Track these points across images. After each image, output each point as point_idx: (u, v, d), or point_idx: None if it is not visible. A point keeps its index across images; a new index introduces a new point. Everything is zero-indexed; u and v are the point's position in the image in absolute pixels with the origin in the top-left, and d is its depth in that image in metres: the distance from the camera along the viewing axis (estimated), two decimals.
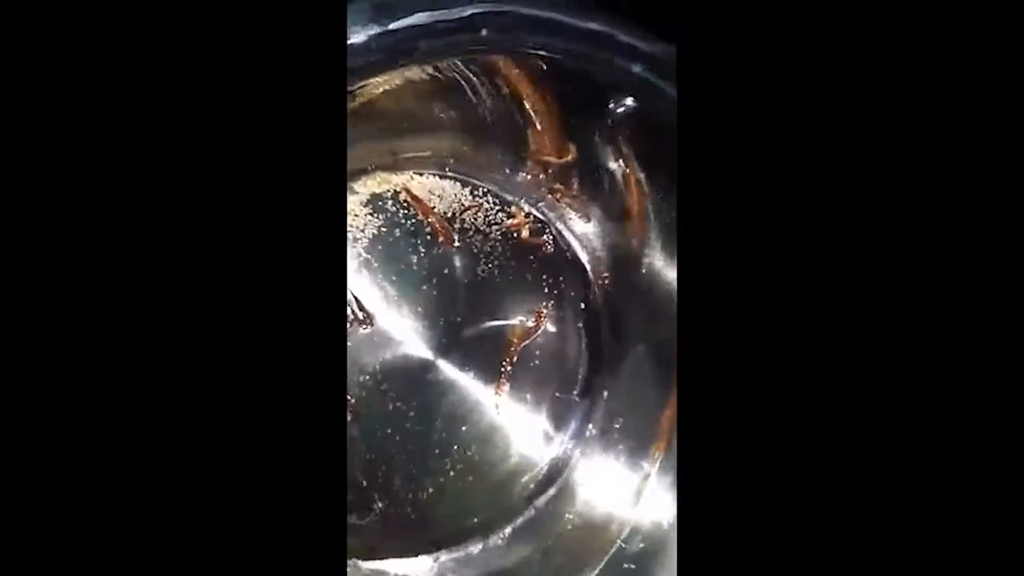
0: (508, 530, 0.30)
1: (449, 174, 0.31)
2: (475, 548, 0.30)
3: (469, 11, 0.18)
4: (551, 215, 0.32)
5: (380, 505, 0.30)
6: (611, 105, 0.25)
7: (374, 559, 0.29)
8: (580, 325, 0.32)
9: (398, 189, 0.30)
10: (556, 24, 0.21)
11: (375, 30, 0.17)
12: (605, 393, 0.32)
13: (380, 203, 0.30)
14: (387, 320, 0.30)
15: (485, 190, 0.31)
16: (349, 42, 0.17)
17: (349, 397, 0.29)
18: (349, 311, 0.29)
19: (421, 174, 0.31)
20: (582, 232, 0.32)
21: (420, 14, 0.18)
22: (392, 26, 0.17)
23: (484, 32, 0.19)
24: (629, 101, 0.24)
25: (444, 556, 0.30)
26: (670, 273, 0.30)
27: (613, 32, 0.21)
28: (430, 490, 0.30)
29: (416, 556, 0.30)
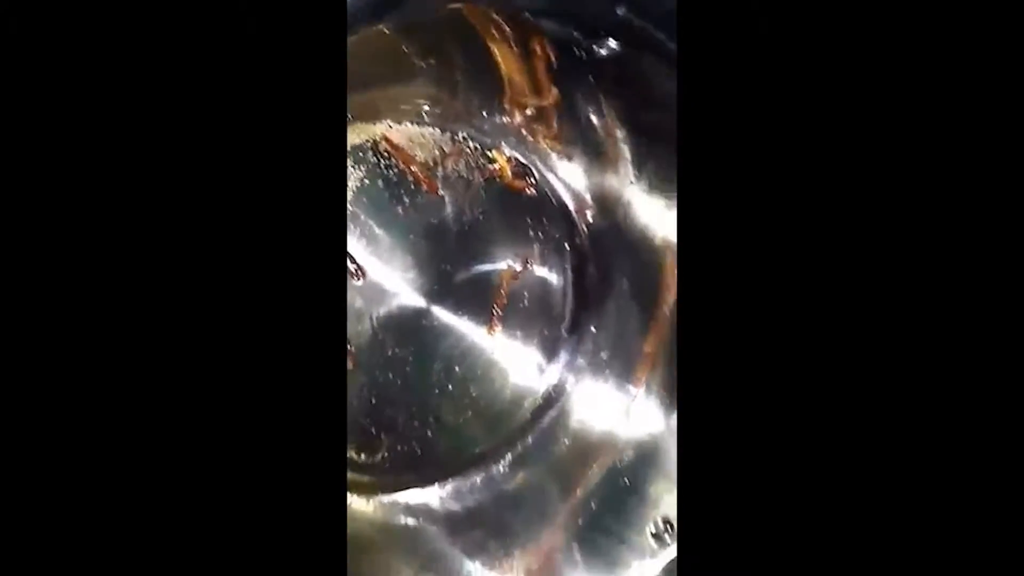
0: (509, 457, 0.33)
1: (427, 121, 0.31)
2: (479, 476, 0.32)
3: None
4: (533, 157, 0.32)
5: (387, 444, 0.31)
6: (594, 47, 0.25)
7: (388, 493, 0.32)
8: (566, 265, 0.34)
9: (378, 139, 0.30)
10: None
11: None
12: (592, 327, 0.33)
13: (361, 154, 0.30)
14: (379, 271, 0.31)
15: (465, 136, 0.31)
16: None
17: (349, 347, 0.30)
18: None
19: (399, 123, 0.30)
20: (564, 173, 0.33)
21: None
22: None
23: None
24: (612, 43, 0.24)
25: (451, 485, 0.32)
26: (650, 210, 0.31)
27: None
28: (433, 427, 0.32)
29: (426, 487, 0.32)
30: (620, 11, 0.22)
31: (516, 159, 0.32)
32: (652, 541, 0.30)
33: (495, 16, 0.24)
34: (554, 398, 0.34)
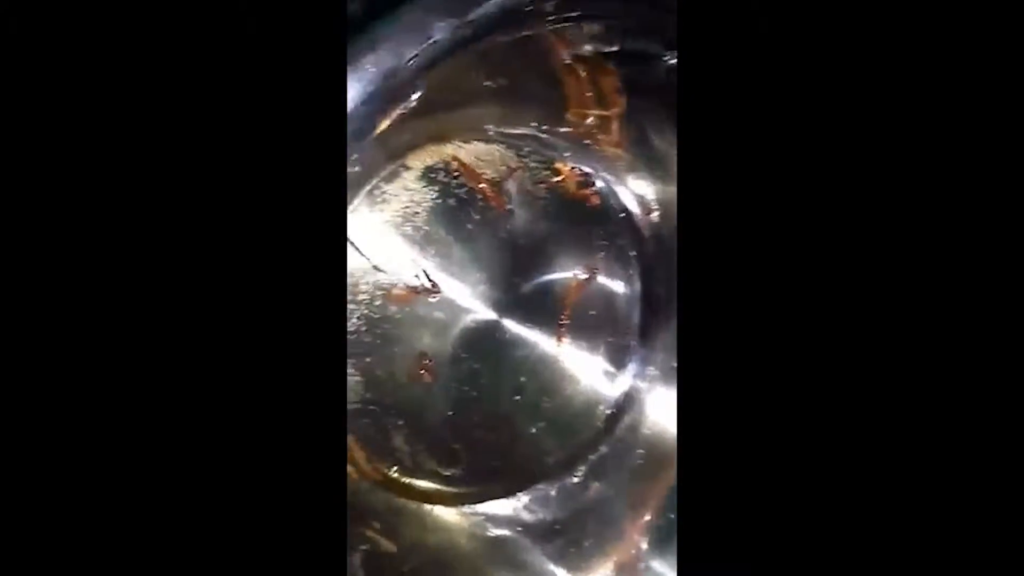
0: (584, 467, 0.33)
1: (493, 139, 0.31)
2: (556, 486, 0.33)
3: None
4: (596, 166, 0.33)
5: (465, 456, 0.32)
6: (664, 59, 0.25)
7: (465, 504, 0.32)
8: (632, 272, 0.34)
9: (448, 159, 0.31)
10: None
11: (454, 23, 0.18)
12: (661, 338, 0.33)
13: (433, 175, 0.31)
14: (451, 287, 0.32)
15: (528, 150, 0.32)
16: (431, 40, 0.18)
17: (426, 360, 0.31)
18: (417, 283, 0.31)
19: (467, 142, 0.31)
20: (628, 181, 0.33)
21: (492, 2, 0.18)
22: (469, 16, 0.18)
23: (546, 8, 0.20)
24: (669, 58, 0.25)
25: (526, 497, 0.33)
26: None
27: None
28: (508, 437, 0.33)
29: (501, 499, 0.33)
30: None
31: (579, 169, 0.33)
32: None
33: (563, 37, 0.25)
34: (626, 407, 0.34)
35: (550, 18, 0.20)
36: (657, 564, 0.31)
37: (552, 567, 0.31)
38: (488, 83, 0.28)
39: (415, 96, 0.21)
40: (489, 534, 0.31)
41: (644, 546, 0.32)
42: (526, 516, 0.32)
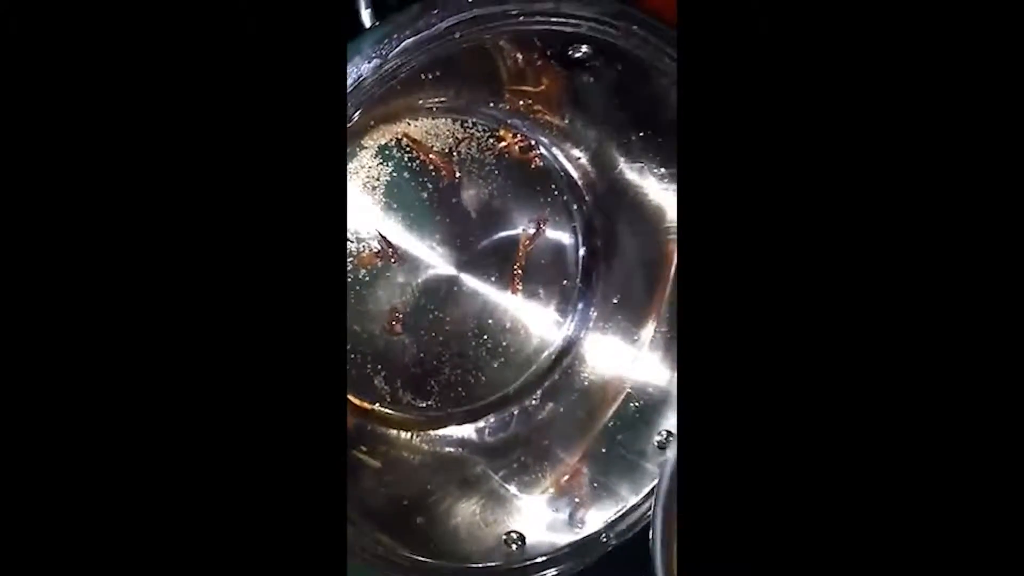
0: (538, 393, 0.39)
1: (438, 114, 0.35)
2: (515, 410, 0.39)
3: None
4: (537, 132, 0.36)
5: (436, 390, 0.38)
6: (570, 52, 0.28)
7: (437, 429, 0.38)
8: (575, 225, 0.38)
9: (399, 136, 0.34)
10: None
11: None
12: (601, 282, 0.38)
13: (387, 152, 0.34)
14: (414, 250, 0.36)
15: (473, 121, 0.35)
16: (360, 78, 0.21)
17: (397, 314, 0.36)
18: (380, 248, 0.35)
19: (416, 119, 0.34)
20: (567, 144, 0.36)
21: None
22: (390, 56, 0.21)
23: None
24: (584, 48, 0.28)
25: (491, 419, 0.39)
26: (649, 175, 0.35)
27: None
28: (472, 373, 0.38)
29: (468, 423, 0.39)
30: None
31: (523, 134, 0.36)
32: (657, 448, 0.36)
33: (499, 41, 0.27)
34: (573, 344, 0.39)
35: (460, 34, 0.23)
36: (601, 465, 0.38)
37: (507, 481, 0.37)
38: (427, 75, 0.31)
39: (355, 115, 0.24)
40: (449, 452, 0.38)
41: (589, 454, 0.38)
42: (486, 437, 0.38)
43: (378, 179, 0.34)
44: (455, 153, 0.35)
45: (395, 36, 0.21)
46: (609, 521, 0.35)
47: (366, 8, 0.22)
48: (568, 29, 0.26)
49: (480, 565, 0.33)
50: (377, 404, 0.37)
